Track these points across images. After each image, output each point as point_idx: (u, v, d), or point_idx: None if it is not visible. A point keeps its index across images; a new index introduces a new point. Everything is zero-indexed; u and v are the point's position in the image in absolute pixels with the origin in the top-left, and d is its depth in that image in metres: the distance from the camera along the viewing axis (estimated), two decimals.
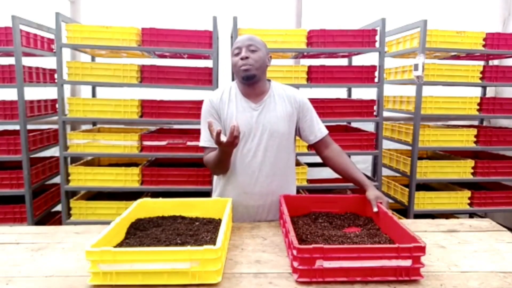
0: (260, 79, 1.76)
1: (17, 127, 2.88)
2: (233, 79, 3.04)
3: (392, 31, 3.30)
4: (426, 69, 2.98)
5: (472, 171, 3.15)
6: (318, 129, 1.85)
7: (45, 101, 3.22)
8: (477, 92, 3.78)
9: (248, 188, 1.78)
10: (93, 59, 3.47)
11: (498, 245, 1.49)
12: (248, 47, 1.71)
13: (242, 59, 1.69)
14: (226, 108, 1.77)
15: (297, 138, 1.91)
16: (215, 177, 1.92)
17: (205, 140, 1.79)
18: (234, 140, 1.51)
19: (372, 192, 1.66)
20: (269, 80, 1.86)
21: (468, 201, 3.16)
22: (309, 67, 2.90)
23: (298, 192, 3.00)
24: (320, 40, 2.85)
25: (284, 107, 1.79)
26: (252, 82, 1.74)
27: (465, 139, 3.14)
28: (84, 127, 3.62)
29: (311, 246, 1.17)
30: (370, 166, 3.66)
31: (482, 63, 3.69)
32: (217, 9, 3.37)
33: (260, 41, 1.76)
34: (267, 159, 1.76)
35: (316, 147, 1.89)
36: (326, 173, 3.92)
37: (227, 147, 1.57)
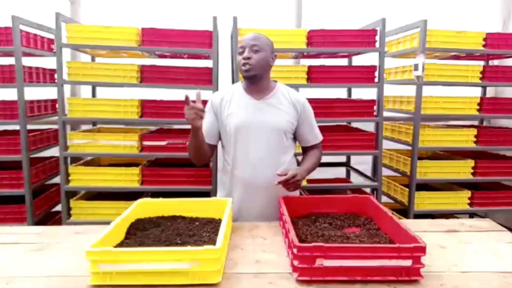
0: (262, 77, 1.82)
1: (17, 127, 2.88)
2: (233, 79, 3.05)
3: (392, 31, 3.30)
4: (426, 69, 2.98)
5: (472, 171, 3.14)
6: (314, 135, 1.94)
7: (45, 101, 3.21)
8: (477, 92, 3.78)
9: (252, 180, 1.82)
10: (93, 59, 3.46)
11: (498, 245, 1.49)
12: (252, 47, 1.76)
13: (244, 59, 1.76)
14: (228, 106, 1.85)
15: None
16: (219, 175, 1.98)
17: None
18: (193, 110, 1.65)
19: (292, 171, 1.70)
20: (275, 81, 1.92)
21: (468, 201, 3.15)
22: (309, 67, 2.90)
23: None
24: (320, 40, 2.85)
25: (286, 107, 1.85)
26: (254, 80, 1.81)
27: (465, 139, 3.13)
28: (84, 127, 3.62)
29: (311, 245, 1.17)
30: (370, 166, 3.65)
31: (482, 63, 3.68)
32: (217, 9, 3.37)
33: (265, 40, 1.81)
34: (268, 153, 1.82)
35: (304, 148, 1.99)
36: (328, 173, 3.93)
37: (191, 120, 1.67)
